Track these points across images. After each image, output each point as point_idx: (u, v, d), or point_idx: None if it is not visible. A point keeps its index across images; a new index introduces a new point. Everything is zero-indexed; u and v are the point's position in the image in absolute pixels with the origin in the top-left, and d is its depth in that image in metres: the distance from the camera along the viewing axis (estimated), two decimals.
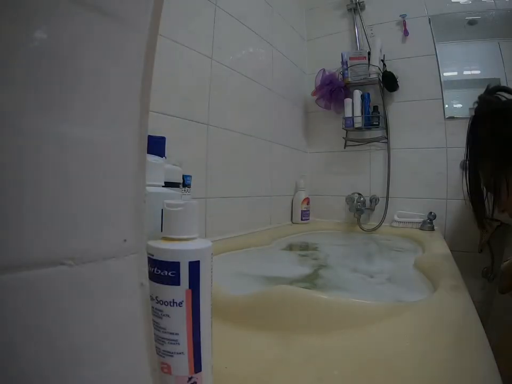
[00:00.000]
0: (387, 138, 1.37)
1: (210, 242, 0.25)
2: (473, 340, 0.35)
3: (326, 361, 0.32)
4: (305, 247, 1.08)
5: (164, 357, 0.24)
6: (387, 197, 1.34)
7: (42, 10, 0.15)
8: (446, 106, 1.29)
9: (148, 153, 0.20)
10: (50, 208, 0.15)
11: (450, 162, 1.26)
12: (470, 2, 1.26)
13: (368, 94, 1.37)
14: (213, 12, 0.97)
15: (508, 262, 0.72)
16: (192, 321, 0.24)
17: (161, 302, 0.23)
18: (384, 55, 1.36)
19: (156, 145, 0.51)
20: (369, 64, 1.32)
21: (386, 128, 1.36)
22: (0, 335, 0.14)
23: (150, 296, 0.21)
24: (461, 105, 1.32)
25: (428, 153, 1.32)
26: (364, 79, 1.34)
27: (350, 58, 1.35)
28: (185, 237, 0.24)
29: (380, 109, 1.35)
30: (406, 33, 1.35)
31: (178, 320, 0.23)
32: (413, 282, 0.65)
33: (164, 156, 0.54)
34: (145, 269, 0.20)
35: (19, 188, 0.14)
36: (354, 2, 1.44)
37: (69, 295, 0.16)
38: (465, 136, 0.63)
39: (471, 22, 1.26)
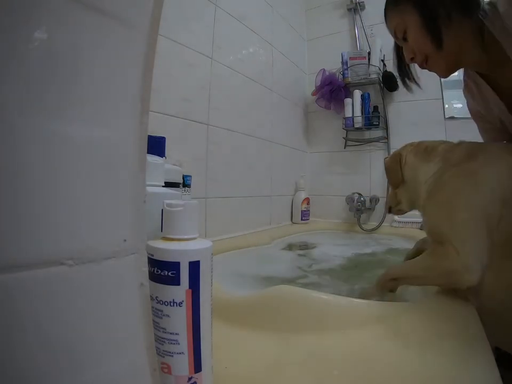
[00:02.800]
0: (387, 138, 1.37)
1: (210, 242, 0.25)
2: (473, 340, 0.35)
3: (326, 361, 0.32)
4: (305, 247, 1.08)
5: (163, 357, 0.24)
6: (387, 197, 1.34)
7: (43, 10, 0.15)
8: (446, 106, 1.29)
9: (148, 153, 0.20)
10: (50, 208, 0.15)
11: None
12: None
13: (368, 94, 1.37)
14: (213, 12, 0.97)
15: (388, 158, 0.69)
16: (192, 321, 0.24)
17: (161, 302, 0.23)
18: (384, 55, 1.36)
19: (156, 145, 0.51)
20: (369, 64, 1.32)
21: (386, 128, 1.36)
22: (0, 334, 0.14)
23: (150, 296, 0.21)
24: (461, 105, 1.32)
25: None
26: (364, 79, 1.34)
27: (350, 58, 1.35)
28: (185, 237, 0.24)
29: (380, 109, 1.35)
30: None
31: (178, 320, 0.23)
32: None
33: (164, 156, 0.54)
34: (145, 269, 0.20)
35: (19, 188, 0.14)
36: (354, 2, 1.44)
37: (69, 295, 0.16)
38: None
39: None
